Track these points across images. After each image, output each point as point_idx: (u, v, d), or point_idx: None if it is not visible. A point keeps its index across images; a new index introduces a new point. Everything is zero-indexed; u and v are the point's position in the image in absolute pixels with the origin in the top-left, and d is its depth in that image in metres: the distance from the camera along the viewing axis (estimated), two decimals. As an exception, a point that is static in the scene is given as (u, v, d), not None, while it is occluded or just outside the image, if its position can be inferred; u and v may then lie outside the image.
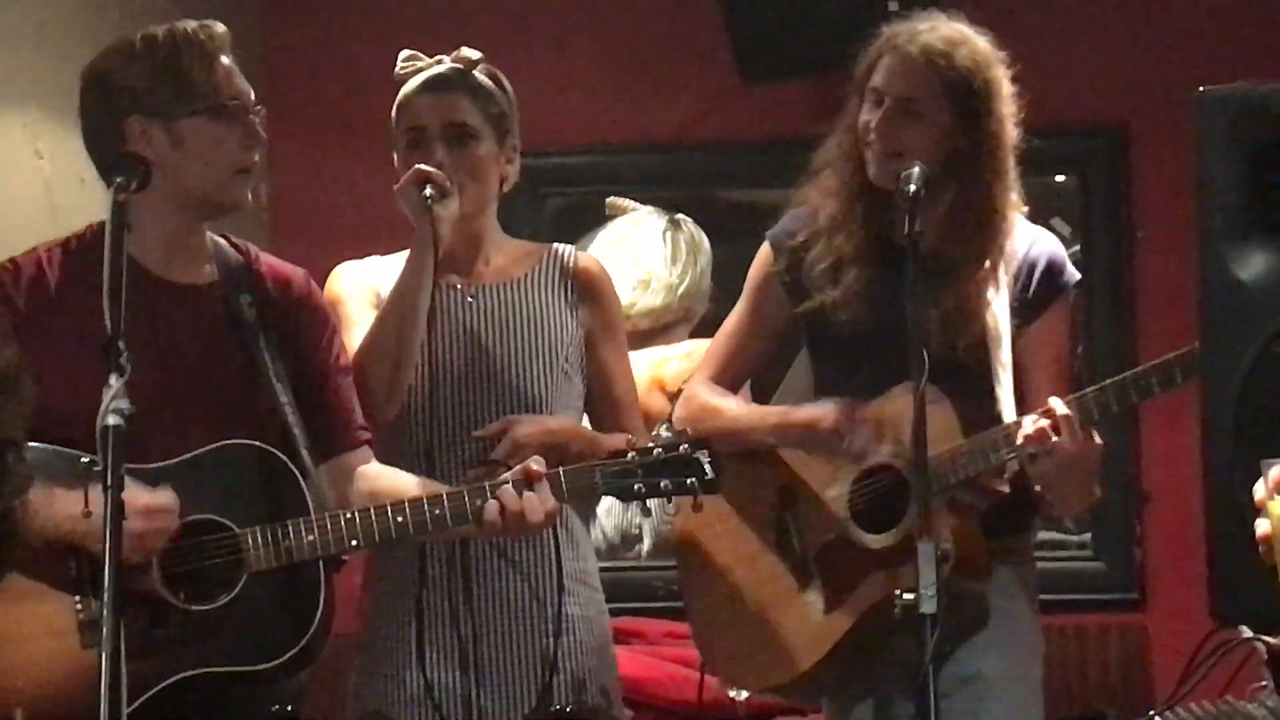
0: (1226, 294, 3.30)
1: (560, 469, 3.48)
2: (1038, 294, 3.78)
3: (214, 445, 3.36)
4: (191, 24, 3.51)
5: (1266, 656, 3.53)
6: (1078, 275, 3.86)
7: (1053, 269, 3.80)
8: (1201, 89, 3.35)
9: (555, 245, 3.98)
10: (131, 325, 3.03)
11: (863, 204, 3.75)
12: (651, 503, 3.54)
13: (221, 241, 3.59)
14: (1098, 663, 5.70)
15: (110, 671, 2.77)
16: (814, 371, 3.92)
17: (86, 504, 3.12)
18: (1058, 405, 3.55)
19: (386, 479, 3.56)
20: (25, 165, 4.89)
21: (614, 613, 4.19)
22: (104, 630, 2.80)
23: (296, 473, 3.38)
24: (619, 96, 6.17)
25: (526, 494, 3.42)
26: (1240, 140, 3.28)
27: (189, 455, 3.34)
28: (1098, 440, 3.62)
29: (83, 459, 3.10)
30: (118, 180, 3.23)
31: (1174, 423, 5.46)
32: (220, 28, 3.51)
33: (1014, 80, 3.78)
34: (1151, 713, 3.56)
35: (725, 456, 3.59)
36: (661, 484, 3.47)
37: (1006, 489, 3.68)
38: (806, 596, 3.81)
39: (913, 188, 3.56)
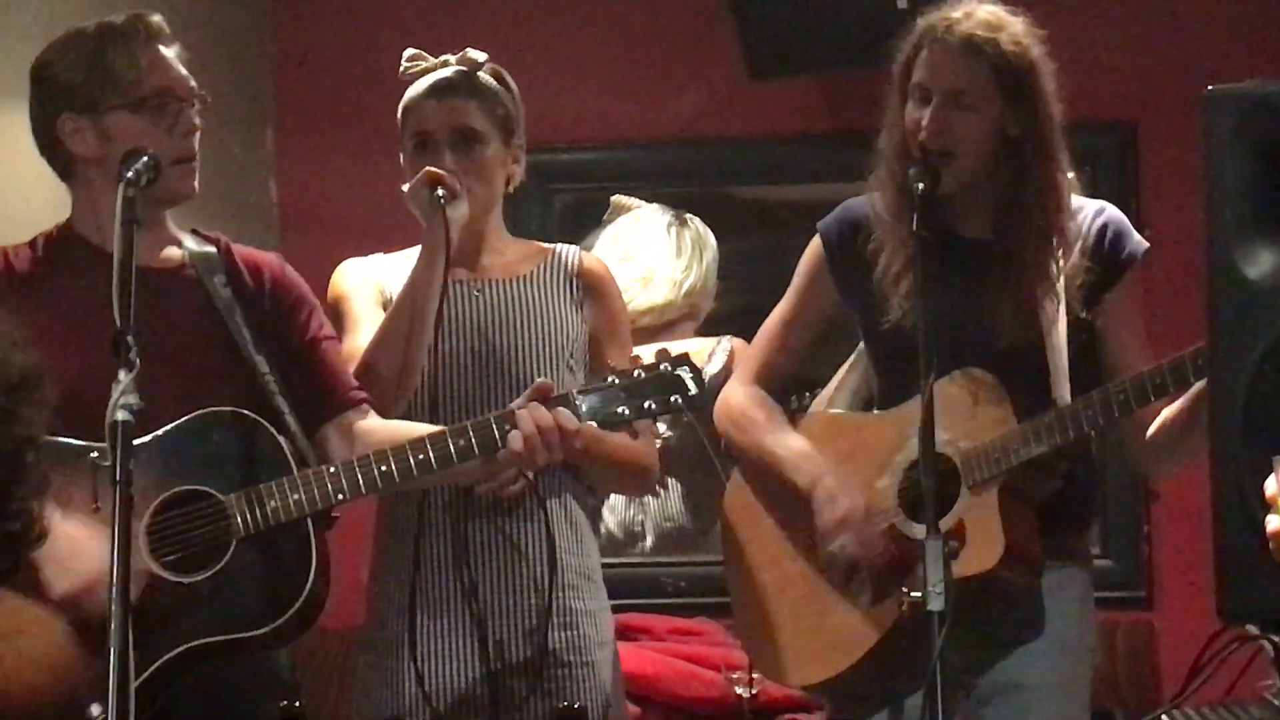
0: (1235, 292, 3.30)
1: (541, 399, 3.43)
2: (1107, 263, 3.75)
3: (189, 415, 3.34)
4: (121, 16, 3.49)
5: (1274, 655, 3.52)
6: (1146, 244, 3.82)
7: (1120, 236, 3.77)
8: (1210, 87, 3.35)
9: (559, 245, 4.00)
10: (101, 309, 3.04)
11: (907, 206, 3.71)
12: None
13: (187, 234, 3.58)
14: (1105, 660, 5.68)
15: (119, 669, 2.77)
16: (871, 365, 3.91)
17: (95, 498, 3.14)
18: None
19: (385, 431, 3.52)
20: (35, 160, 4.88)
21: (621, 609, 4.20)
22: (112, 626, 2.80)
23: (274, 432, 3.36)
24: (628, 92, 6.17)
25: (556, 410, 3.37)
26: (1249, 138, 3.27)
27: (166, 429, 3.30)
28: None
29: (91, 453, 3.11)
30: (127, 176, 3.24)
31: (1182, 420, 5.45)
32: (154, 18, 3.49)
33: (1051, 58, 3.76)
34: (1159, 711, 3.56)
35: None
36: (646, 404, 3.41)
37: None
38: (852, 590, 3.78)
39: (920, 186, 3.56)
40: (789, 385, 4.04)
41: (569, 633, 3.82)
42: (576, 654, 3.82)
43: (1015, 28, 3.70)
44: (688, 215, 5.36)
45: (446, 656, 3.77)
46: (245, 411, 3.36)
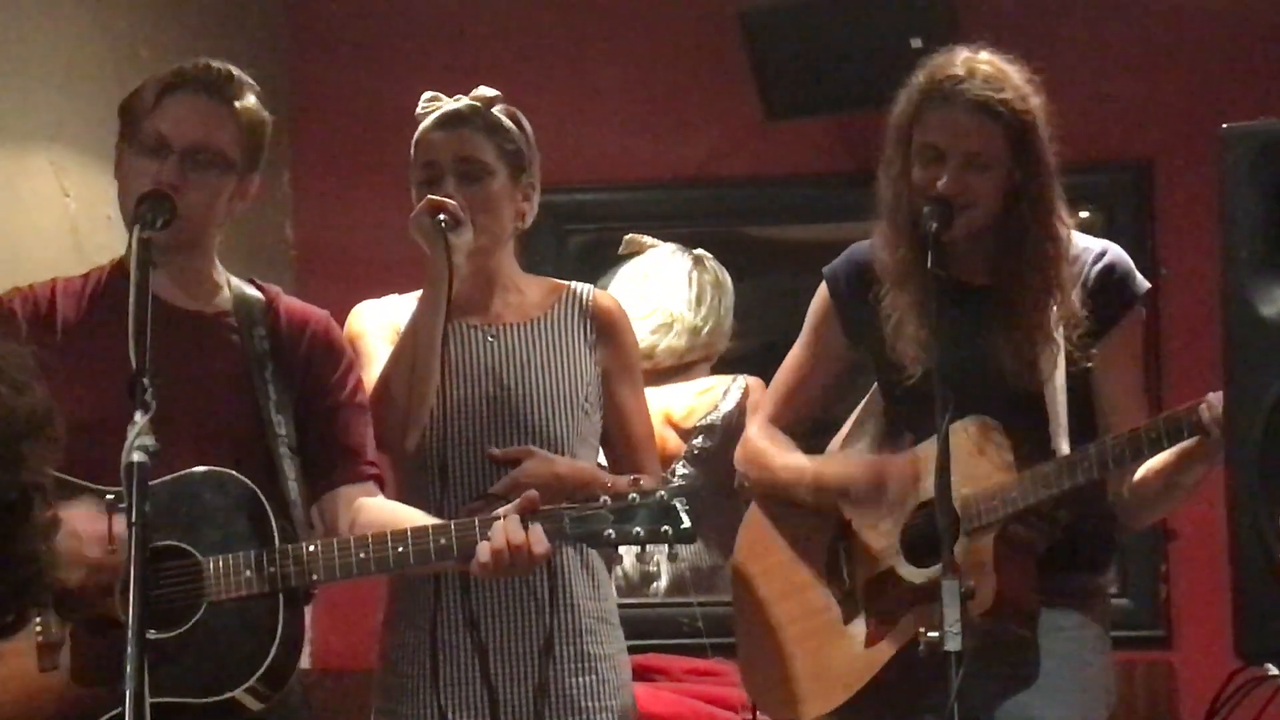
0: (1251, 330, 3.30)
1: (530, 515, 3.39)
2: (1108, 306, 3.74)
3: (187, 471, 3.32)
4: (202, 60, 3.48)
5: (1293, 694, 3.51)
6: (1147, 285, 3.82)
7: (1123, 280, 3.77)
8: (1225, 125, 3.35)
9: (574, 284, 3.98)
10: (125, 346, 3.03)
11: (919, 252, 3.71)
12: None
13: (245, 283, 3.58)
14: (1124, 700, 5.64)
15: (134, 711, 2.76)
16: (884, 409, 3.91)
17: (111, 539, 3.14)
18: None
19: (380, 513, 3.50)
20: (52, 203, 4.91)
21: (637, 649, 4.19)
22: (129, 669, 2.79)
23: (265, 502, 3.33)
24: (643, 133, 6.18)
25: (532, 527, 3.34)
26: (1265, 176, 3.28)
27: (162, 480, 3.25)
28: None
29: (107, 494, 3.11)
30: (142, 217, 3.25)
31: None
32: (218, 68, 3.46)
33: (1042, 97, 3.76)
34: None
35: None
36: (634, 531, 3.37)
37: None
38: (851, 628, 3.77)
39: (934, 225, 3.56)
40: (807, 428, 4.05)
41: (588, 678, 3.81)
42: (595, 699, 3.81)
43: (1016, 80, 3.70)
44: (705, 256, 5.36)
45: (463, 706, 3.76)
46: (241, 477, 3.34)
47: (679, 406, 5.14)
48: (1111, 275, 3.76)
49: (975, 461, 3.63)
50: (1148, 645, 5.84)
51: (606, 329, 3.92)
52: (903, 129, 3.71)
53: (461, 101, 3.87)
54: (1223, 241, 3.33)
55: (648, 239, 5.38)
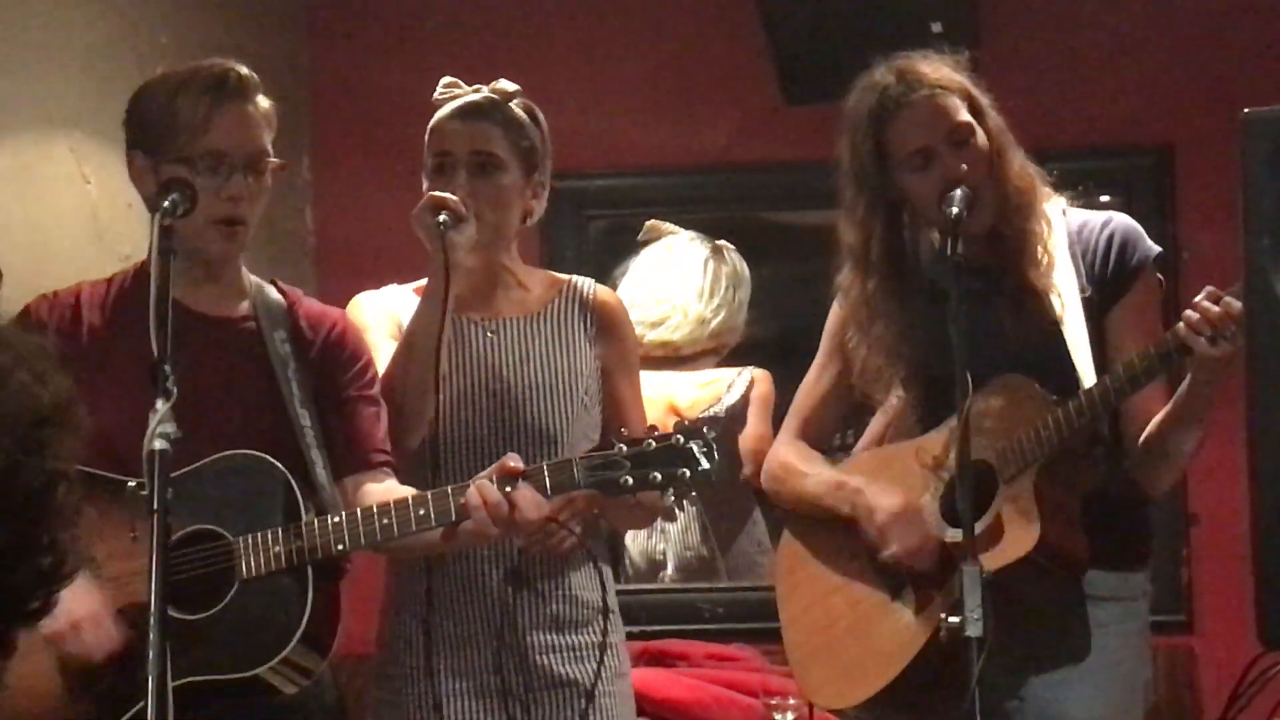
0: (1272, 314, 3.29)
1: (543, 464, 3.39)
2: (1116, 271, 3.75)
3: (219, 455, 3.35)
4: (216, 63, 3.48)
5: (1315, 680, 3.51)
6: (1157, 249, 3.82)
7: (1128, 244, 3.77)
8: (1246, 110, 3.34)
9: (574, 278, 3.98)
10: (149, 354, 3.04)
11: (897, 261, 3.75)
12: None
13: (266, 284, 3.60)
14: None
15: (157, 695, 2.77)
16: (909, 397, 3.92)
17: (133, 527, 3.15)
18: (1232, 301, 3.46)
19: (390, 493, 3.50)
20: (72, 189, 4.92)
21: (655, 635, 4.20)
22: (150, 655, 2.81)
23: (290, 479, 3.35)
24: (662, 118, 6.18)
25: (520, 485, 3.34)
26: (1286, 161, 3.27)
27: (188, 468, 3.28)
28: None
29: (130, 483, 3.12)
30: (162, 205, 3.24)
31: (1221, 443, 5.42)
32: (242, 72, 3.47)
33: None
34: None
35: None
36: (651, 475, 3.32)
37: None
38: (898, 603, 3.77)
39: (955, 209, 3.56)
40: (833, 436, 4.08)
41: (588, 665, 3.81)
42: (602, 683, 3.82)
43: (934, 60, 3.73)
44: (726, 246, 5.37)
45: (460, 694, 3.77)
46: (265, 456, 3.36)
47: (684, 397, 5.16)
48: (1118, 241, 3.77)
49: (1012, 416, 3.64)
50: (1169, 630, 5.83)
51: (606, 324, 3.92)
52: (865, 162, 3.73)
53: (480, 93, 3.86)
54: (1243, 226, 3.32)
55: (667, 225, 5.39)
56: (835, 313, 3.96)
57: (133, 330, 3.23)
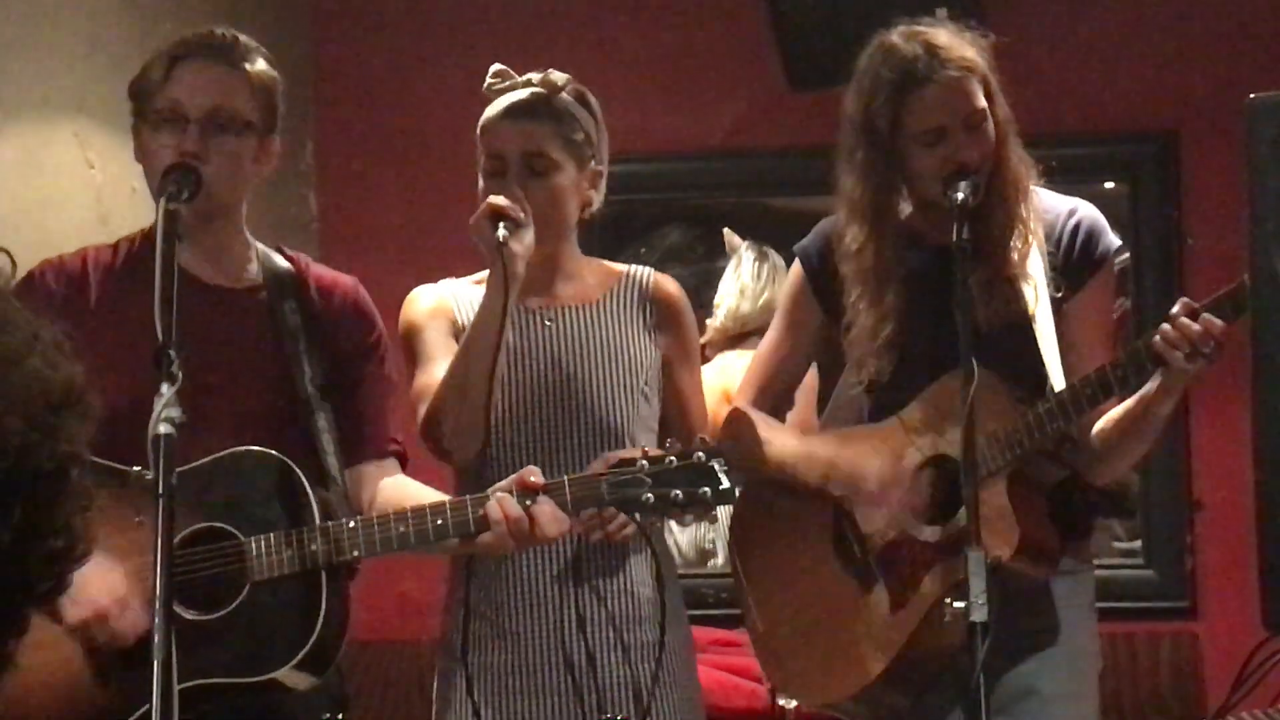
0: (1277, 300, 3.29)
1: (565, 478, 3.37)
2: (1079, 262, 3.73)
3: (226, 452, 3.32)
4: (203, 28, 3.47)
5: (1319, 665, 3.51)
6: (1118, 242, 3.80)
7: (1092, 235, 3.75)
8: (1252, 95, 3.34)
9: (633, 267, 3.94)
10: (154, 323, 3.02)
11: (894, 240, 3.74)
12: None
13: (273, 252, 3.57)
14: (1149, 671, 5.68)
15: (161, 680, 2.77)
16: (856, 379, 3.90)
17: (138, 512, 3.15)
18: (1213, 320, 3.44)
19: (403, 493, 3.48)
20: (77, 174, 4.92)
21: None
22: (155, 639, 2.81)
23: (305, 481, 3.31)
24: (668, 104, 6.18)
25: (540, 500, 3.31)
26: (1292, 146, 3.27)
27: (202, 462, 3.27)
28: None
29: (134, 468, 3.11)
30: (168, 189, 3.23)
31: (1226, 429, 5.44)
32: (221, 34, 3.44)
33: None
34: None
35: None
36: (673, 494, 3.29)
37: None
38: (871, 599, 3.74)
39: (960, 196, 3.56)
40: (786, 410, 4.05)
41: (647, 665, 3.74)
42: (660, 686, 3.76)
43: (963, 37, 3.71)
44: (769, 250, 5.77)
45: (538, 692, 3.74)
46: (281, 456, 3.32)
47: (737, 384, 5.25)
48: (1081, 233, 3.75)
49: (979, 413, 3.61)
50: (1174, 616, 5.84)
51: (667, 314, 3.87)
52: (882, 128, 3.69)
53: (529, 90, 3.78)
54: (1248, 212, 3.32)
55: (735, 238, 5.94)
56: (795, 274, 3.91)
57: (140, 299, 3.19)
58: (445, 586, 3.86)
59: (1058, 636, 3.70)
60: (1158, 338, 3.46)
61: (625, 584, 3.77)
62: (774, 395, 3.97)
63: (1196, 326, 3.42)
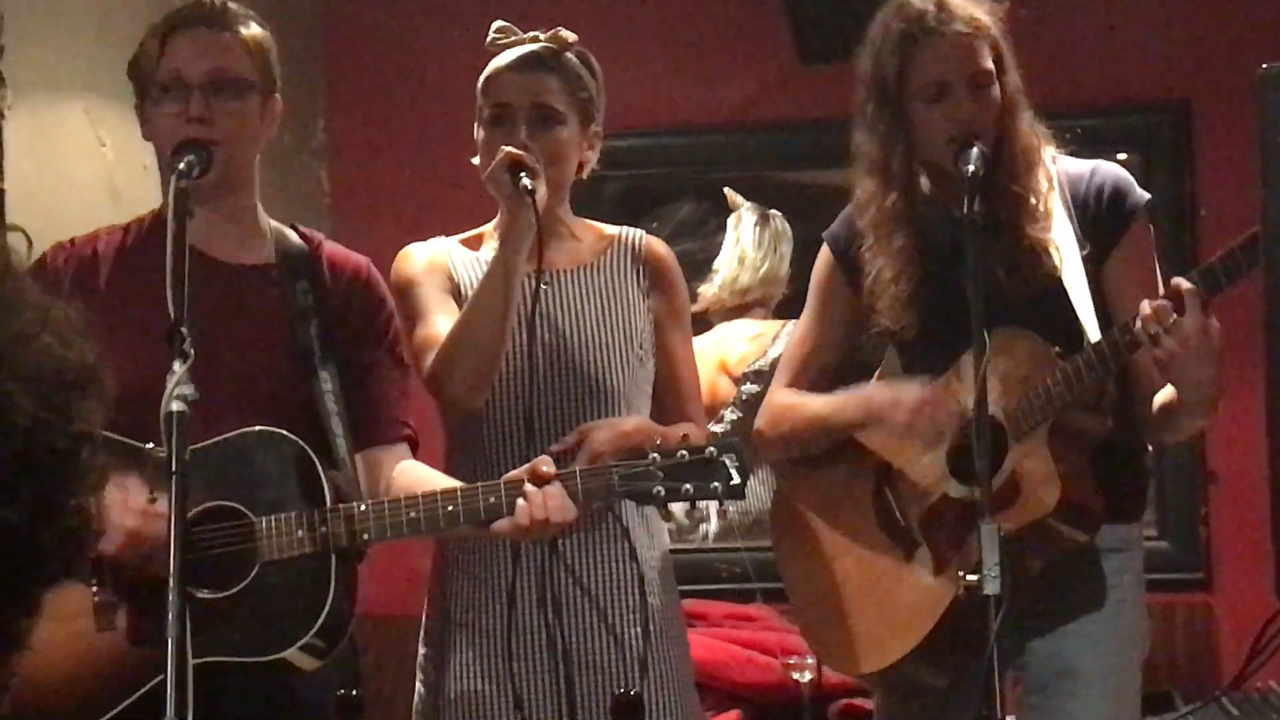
0: (1291, 271, 3.28)
1: (576, 469, 3.39)
2: (1108, 219, 3.72)
3: (239, 431, 3.32)
4: (179, 5, 3.47)
5: (1334, 636, 3.50)
6: (1147, 195, 3.77)
7: (1119, 191, 3.73)
8: (1265, 65, 3.33)
9: (624, 229, 3.93)
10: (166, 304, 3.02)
11: (904, 191, 3.72)
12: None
13: (287, 230, 3.56)
14: (1163, 642, 5.68)
15: (176, 657, 2.77)
16: (898, 359, 3.90)
17: (151, 490, 3.15)
18: (1181, 282, 3.45)
19: (417, 479, 3.48)
20: (88, 152, 4.92)
21: (684, 595, 4.18)
22: (170, 616, 2.80)
23: (317, 462, 3.31)
24: (679, 78, 6.17)
25: (548, 489, 3.32)
26: (1304, 117, 3.26)
27: (213, 440, 3.27)
28: (1215, 322, 3.48)
29: (147, 445, 3.11)
30: (179, 167, 3.22)
31: (1240, 402, 5.42)
32: (211, 4, 3.45)
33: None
34: (1217, 692, 3.54)
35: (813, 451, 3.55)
36: (683, 488, 3.33)
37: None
38: (914, 565, 3.74)
39: (971, 168, 3.54)
40: (820, 388, 4.04)
41: (646, 628, 3.76)
42: (657, 650, 3.77)
43: (982, 4, 3.69)
44: (772, 212, 5.69)
45: (531, 653, 3.73)
46: (293, 436, 3.32)
47: (733, 354, 5.26)
48: (1107, 191, 3.73)
49: (1014, 370, 3.60)
50: (1187, 588, 5.84)
51: (659, 275, 3.87)
52: (888, 78, 3.68)
53: (538, 43, 3.78)
54: (1262, 181, 3.31)
55: (737, 198, 5.80)
56: (824, 258, 3.91)
57: (152, 280, 3.20)
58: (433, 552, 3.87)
59: (1104, 615, 3.69)
60: (1137, 322, 3.45)
61: (628, 549, 3.77)
62: (810, 378, 3.95)
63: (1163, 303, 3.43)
